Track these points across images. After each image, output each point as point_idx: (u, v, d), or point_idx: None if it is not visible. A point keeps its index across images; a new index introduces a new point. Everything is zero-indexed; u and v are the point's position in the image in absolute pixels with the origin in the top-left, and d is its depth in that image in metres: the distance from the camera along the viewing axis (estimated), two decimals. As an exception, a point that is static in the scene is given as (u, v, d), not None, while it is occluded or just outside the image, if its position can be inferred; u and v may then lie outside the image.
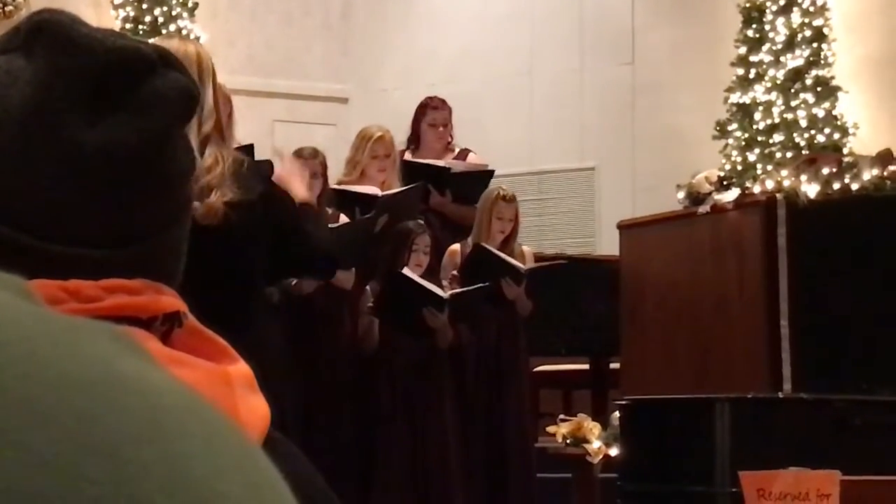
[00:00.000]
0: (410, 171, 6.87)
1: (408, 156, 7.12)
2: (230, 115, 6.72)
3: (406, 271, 6.28)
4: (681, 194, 7.16)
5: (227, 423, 0.47)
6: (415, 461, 6.28)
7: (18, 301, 0.47)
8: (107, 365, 0.45)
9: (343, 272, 6.21)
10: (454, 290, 6.44)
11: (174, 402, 0.46)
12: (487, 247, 6.66)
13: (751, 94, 9.31)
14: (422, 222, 6.59)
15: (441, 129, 7.26)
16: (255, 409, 1.11)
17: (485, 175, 7.16)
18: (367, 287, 6.40)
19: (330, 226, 6.14)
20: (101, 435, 0.43)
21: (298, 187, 4.75)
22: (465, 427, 6.53)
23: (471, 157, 7.33)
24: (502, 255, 6.68)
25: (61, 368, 0.44)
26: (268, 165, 4.75)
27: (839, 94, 9.29)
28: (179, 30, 10.02)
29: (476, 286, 6.45)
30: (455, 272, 6.69)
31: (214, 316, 1.31)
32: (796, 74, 9.27)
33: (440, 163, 7.08)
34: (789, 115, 9.17)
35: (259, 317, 4.57)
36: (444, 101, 7.36)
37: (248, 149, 6.41)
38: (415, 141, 7.28)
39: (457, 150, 7.34)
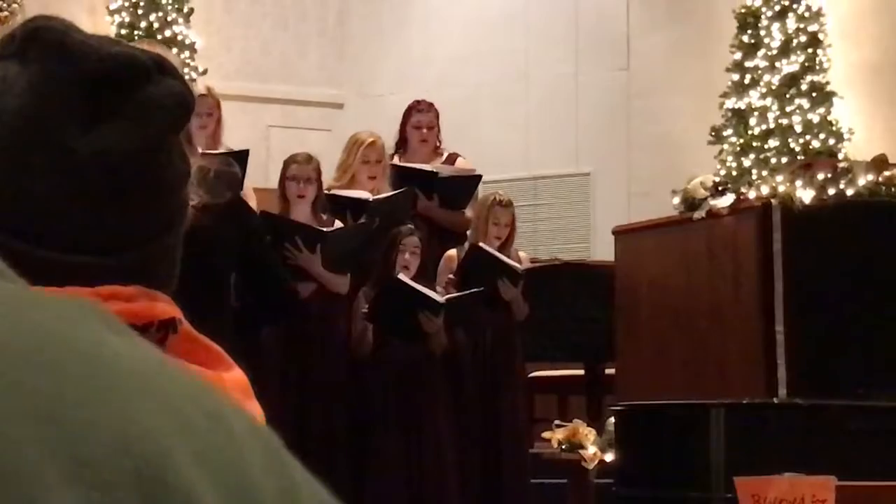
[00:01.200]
0: (398, 175, 6.86)
1: (395, 160, 7.11)
2: (219, 120, 6.76)
3: (402, 276, 6.28)
4: (676, 200, 7.16)
5: (193, 386, 0.47)
6: (409, 466, 6.27)
7: None
8: (52, 332, 0.45)
9: (339, 277, 6.22)
10: (450, 295, 6.43)
11: (131, 366, 0.46)
12: (485, 247, 6.65)
13: (746, 100, 9.32)
14: (410, 225, 6.59)
15: (425, 130, 7.23)
16: (250, 416, 1.11)
17: (472, 180, 7.14)
18: (361, 292, 6.39)
19: (325, 230, 6.17)
20: (37, 400, 0.42)
21: None
22: (460, 431, 6.53)
23: (459, 162, 7.31)
24: (499, 255, 6.67)
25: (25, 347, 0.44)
26: (235, 176, 4.93)
27: (834, 99, 9.30)
28: (175, 35, 10.02)
29: (471, 291, 6.45)
30: (451, 276, 6.68)
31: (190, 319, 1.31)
32: (791, 80, 9.27)
33: (428, 167, 7.07)
34: (784, 121, 9.18)
35: (230, 318, 4.75)
36: (430, 105, 7.34)
37: (243, 154, 6.43)
38: (402, 144, 7.27)
39: (445, 155, 7.33)
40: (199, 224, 4.78)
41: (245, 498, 0.45)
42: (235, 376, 1.13)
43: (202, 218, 4.72)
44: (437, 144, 7.32)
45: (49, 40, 1.10)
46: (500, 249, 6.74)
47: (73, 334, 0.45)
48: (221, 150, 6.67)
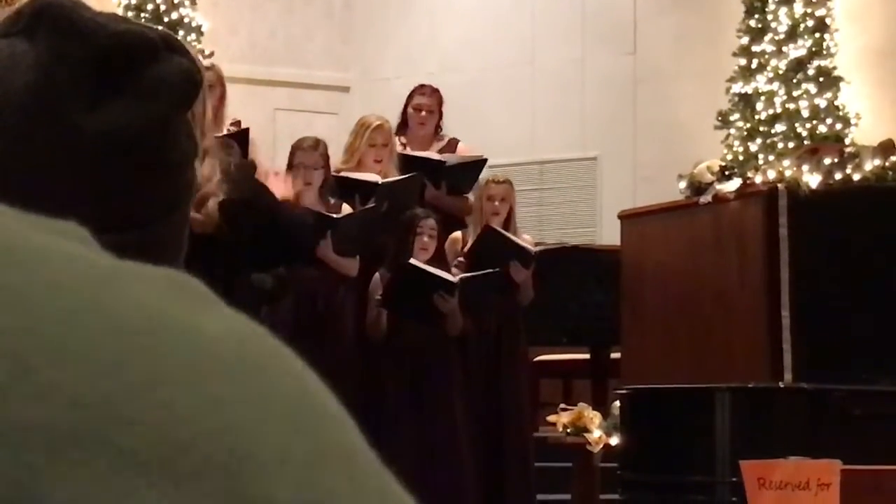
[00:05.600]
0: (406, 165, 6.85)
1: (401, 148, 7.09)
2: (222, 96, 6.79)
3: (414, 261, 6.27)
4: (682, 184, 7.15)
5: (289, 368, 0.46)
6: (422, 449, 6.26)
7: (65, 243, 0.47)
8: (150, 309, 0.44)
9: (348, 260, 6.23)
10: (465, 275, 6.43)
11: (226, 345, 0.44)
12: (497, 228, 6.65)
13: (753, 85, 9.31)
14: (426, 209, 6.59)
15: (423, 113, 7.23)
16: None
17: (478, 164, 7.14)
18: (377, 274, 6.39)
19: (335, 216, 6.18)
20: (136, 377, 0.42)
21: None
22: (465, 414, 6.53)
23: (460, 147, 7.31)
24: (512, 236, 6.66)
25: (100, 312, 0.43)
26: (251, 165, 5.21)
27: (841, 84, 9.29)
28: (181, 18, 10.02)
29: (486, 272, 6.44)
30: (461, 258, 6.67)
31: None
32: (798, 64, 9.26)
33: (436, 156, 7.07)
34: (791, 106, 9.17)
35: (244, 306, 4.97)
36: (434, 90, 7.35)
37: (244, 133, 6.45)
38: (403, 127, 7.26)
39: (446, 140, 7.32)
40: (221, 223, 5.05)
41: None
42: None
43: (223, 215, 5.00)
44: (438, 129, 7.31)
45: (57, 17, 1.10)
46: (503, 230, 6.74)
47: (167, 311, 0.44)
48: (226, 132, 6.68)
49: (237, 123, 6.85)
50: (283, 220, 5.60)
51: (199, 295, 0.47)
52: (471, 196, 7.10)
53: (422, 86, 7.43)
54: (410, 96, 7.34)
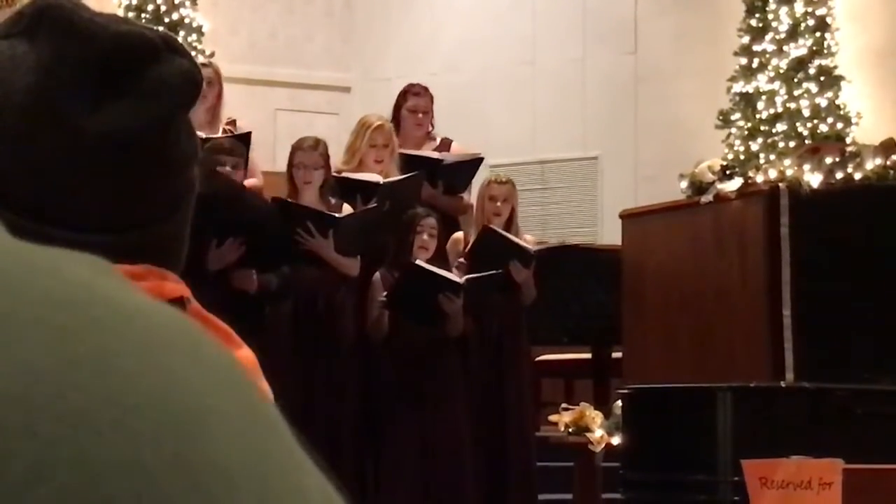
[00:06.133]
0: (405, 164, 6.85)
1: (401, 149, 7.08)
2: (219, 94, 6.80)
3: (420, 262, 6.27)
4: (683, 183, 7.15)
5: (213, 343, 0.47)
6: (424, 450, 6.26)
7: None
8: (87, 285, 0.44)
9: (349, 259, 6.22)
10: (470, 276, 6.42)
11: (159, 321, 0.45)
12: (496, 228, 6.64)
13: (754, 84, 9.31)
14: (427, 208, 6.58)
15: (420, 115, 7.21)
16: (259, 395, 1.11)
17: (474, 163, 7.13)
18: (377, 274, 6.39)
19: (337, 216, 6.18)
20: (84, 348, 0.42)
21: None
22: (468, 415, 6.53)
23: (454, 147, 7.29)
24: (511, 236, 6.65)
25: (39, 287, 0.43)
26: (211, 160, 5.34)
27: (842, 83, 9.29)
28: (182, 18, 10.02)
29: (490, 273, 6.43)
30: (462, 260, 6.66)
31: None
32: (799, 64, 9.26)
33: (434, 155, 7.06)
34: (792, 105, 9.16)
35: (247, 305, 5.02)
36: (426, 89, 7.32)
37: (246, 137, 6.46)
38: (395, 127, 7.23)
39: (439, 140, 7.29)
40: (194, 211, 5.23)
41: (281, 481, 0.44)
42: (245, 355, 1.14)
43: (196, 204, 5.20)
44: (430, 129, 7.29)
45: (57, 18, 1.10)
46: (505, 230, 6.74)
47: (101, 287, 0.45)
48: (222, 130, 6.70)
49: (233, 122, 6.87)
50: (246, 207, 5.70)
51: (115, 273, 0.47)
52: (465, 195, 7.10)
53: (412, 85, 7.37)
54: (403, 97, 7.28)
